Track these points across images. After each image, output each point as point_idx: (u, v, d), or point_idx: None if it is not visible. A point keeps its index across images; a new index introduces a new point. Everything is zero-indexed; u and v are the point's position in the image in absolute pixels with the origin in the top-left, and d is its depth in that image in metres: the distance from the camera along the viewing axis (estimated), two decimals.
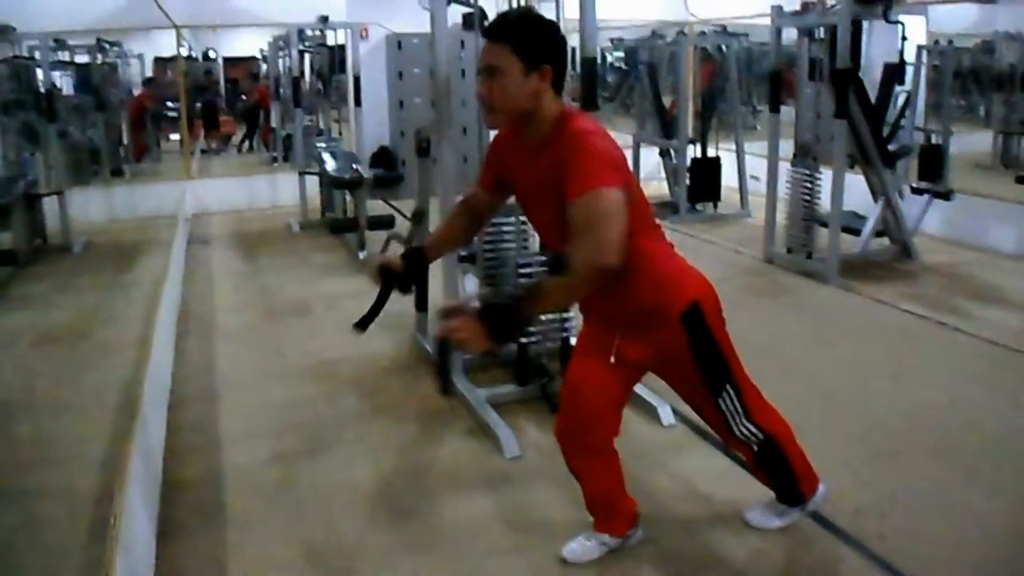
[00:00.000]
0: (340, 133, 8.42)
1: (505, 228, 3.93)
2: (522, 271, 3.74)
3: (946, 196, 6.09)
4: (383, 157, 8.76)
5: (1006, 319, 4.99)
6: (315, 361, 4.32)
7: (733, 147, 8.09)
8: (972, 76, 10.19)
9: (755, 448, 2.51)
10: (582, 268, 1.95)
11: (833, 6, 5.26)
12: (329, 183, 6.50)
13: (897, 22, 5.32)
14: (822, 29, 5.67)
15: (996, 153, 9.70)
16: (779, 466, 2.58)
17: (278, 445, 3.44)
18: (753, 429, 2.46)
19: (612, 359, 2.35)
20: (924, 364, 4.30)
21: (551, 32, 2.13)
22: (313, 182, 7.51)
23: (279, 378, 4.13)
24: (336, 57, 8.79)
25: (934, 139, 8.34)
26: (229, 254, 6.82)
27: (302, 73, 7.80)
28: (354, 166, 6.33)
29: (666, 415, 3.55)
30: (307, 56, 8.92)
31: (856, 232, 6.02)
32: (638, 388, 3.72)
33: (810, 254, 5.90)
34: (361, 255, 6.24)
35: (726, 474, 3.12)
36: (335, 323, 4.91)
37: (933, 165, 7.88)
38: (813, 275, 5.78)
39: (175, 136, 10.47)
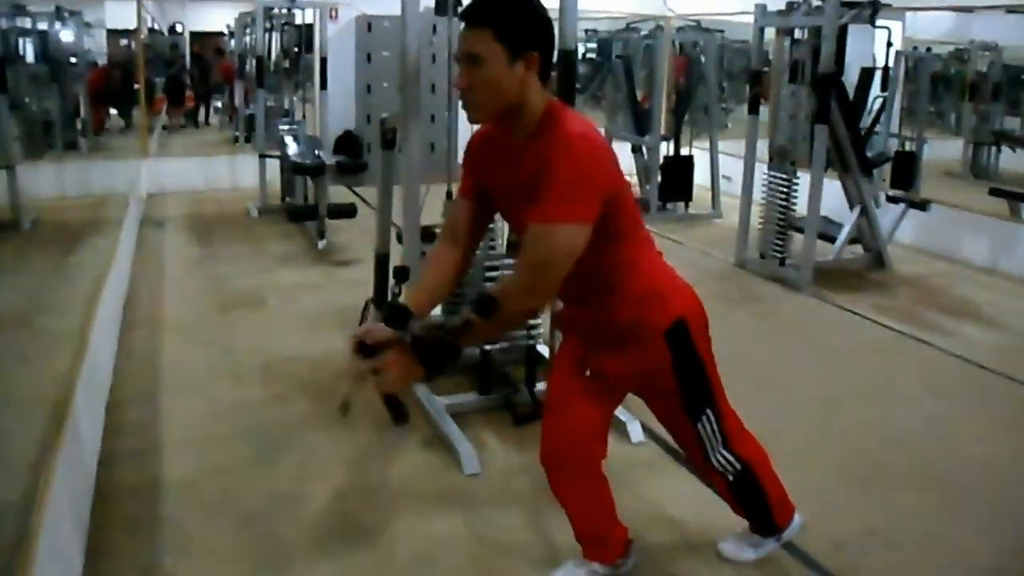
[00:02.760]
0: (304, 115, 8.12)
1: None
2: (489, 274, 3.55)
3: (922, 206, 6.00)
4: (347, 142, 8.49)
5: (979, 336, 4.90)
6: (267, 359, 4.09)
7: (706, 146, 7.95)
8: (944, 84, 10.16)
9: (731, 478, 2.35)
10: (512, 308, 1.85)
11: (818, 8, 5.11)
12: (290, 168, 6.24)
13: (883, 27, 5.20)
14: (804, 31, 5.54)
15: (966, 162, 9.69)
16: (755, 497, 2.43)
17: (224, 453, 3.22)
18: (730, 458, 2.30)
19: (588, 373, 2.19)
20: (899, 382, 4.18)
21: (537, 13, 1.89)
22: (274, 165, 7.24)
23: (228, 378, 3.89)
24: (304, 36, 8.50)
25: (908, 146, 8.29)
26: (183, 238, 6.53)
27: (268, 52, 7.50)
28: (317, 152, 6.09)
29: (635, 432, 3.39)
30: (274, 35, 8.62)
31: (831, 239, 5.91)
32: None
33: (783, 260, 5.78)
34: (320, 244, 5.99)
35: (698, 499, 2.95)
36: (290, 318, 4.68)
37: (906, 172, 7.84)
38: (785, 282, 5.65)
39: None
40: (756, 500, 2.43)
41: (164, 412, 3.52)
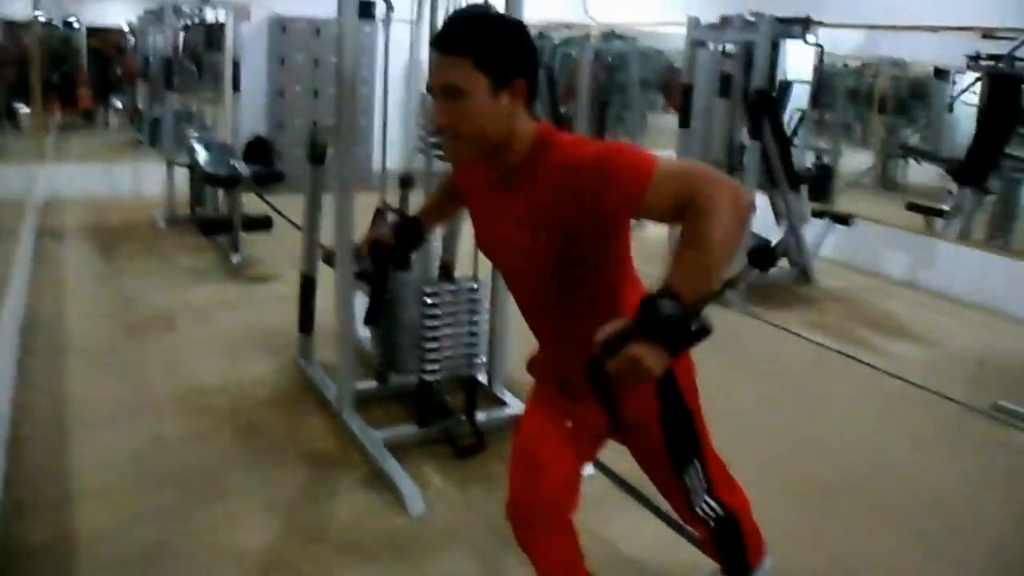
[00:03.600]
0: (214, 120, 7.73)
1: None
2: (429, 300, 3.33)
3: (845, 221, 6.06)
4: (258, 148, 8.11)
5: (907, 352, 4.95)
6: (185, 389, 3.78)
7: None
8: (852, 98, 10.40)
9: (712, 524, 2.22)
10: (738, 217, 1.46)
11: (752, 23, 5.08)
12: (201, 178, 5.89)
13: (817, 45, 5.21)
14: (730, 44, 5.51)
15: (876, 174, 9.94)
16: (734, 543, 2.30)
17: (144, 500, 2.92)
18: (714, 505, 2.17)
19: (569, 424, 2.02)
20: (837, 401, 4.17)
21: (519, 35, 1.69)
22: (182, 173, 6.84)
23: (143, 411, 3.57)
24: (213, 36, 8.11)
25: (825, 159, 8.42)
26: (85, 251, 6.08)
27: (176, 52, 7.08)
28: (231, 162, 5.76)
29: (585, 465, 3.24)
30: (180, 33, 8.19)
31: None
32: None
33: None
34: (234, 259, 5.66)
35: (656, 536, 2.84)
36: (206, 340, 4.37)
37: (823, 186, 7.94)
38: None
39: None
40: (735, 546, 2.31)
41: (73, 453, 3.19)
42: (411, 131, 3.79)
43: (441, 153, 3.27)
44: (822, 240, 6.19)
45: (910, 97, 10.01)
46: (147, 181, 7.74)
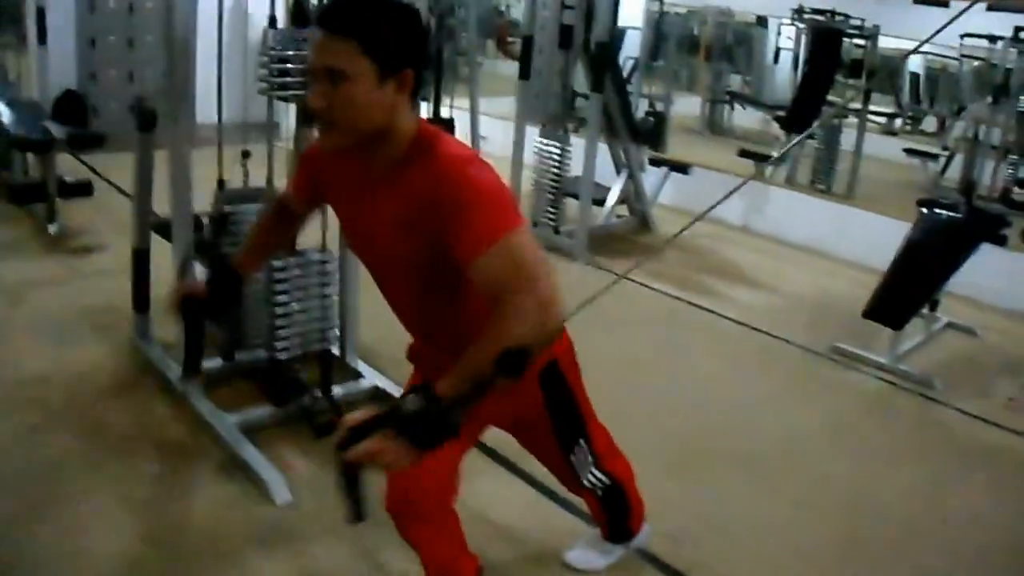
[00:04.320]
0: (19, 74, 6.96)
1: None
2: (278, 276, 3.14)
3: (683, 169, 6.21)
4: (70, 104, 7.44)
5: (751, 298, 5.18)
6: (9, 382, 3.41)
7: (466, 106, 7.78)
8: (679, 45, 10.68)
9: (599, 494, 2.26)
10: (537, 341, 1.48)
11: None
12: (8, 142, 5.32)
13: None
14: None
15: (704, 119, 10.31)
16: (620, 510, 2.37)
17: None
18: (601, 476, 2.21)
19: None
20: (687, 352, 4.30)
21: (413, 22, 1.59)
22: None
23: None
24: None
25: (657, 106, 8.60)
26: None
27: None
28: (42, 122, 5.23)
29: None
30: None
31: (600, 203, 5.97)
32: None
33: (557, 228, 5.75)
34: (51, 228, 5.17)
35: (523, 502, 2.85)
36: (27, 324, 3.97)
37: (656, 132, 8.12)
38: (561, 250, 5.61)
39: None
40: (621, 512, 2.38)
41: None
42: (247, 77, 3.47)
43: (284, 95, 3.06)
44: (660, 188, 6.33)
45: (736, 45, 10.41)
46: None
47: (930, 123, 10.38)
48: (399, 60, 1.54)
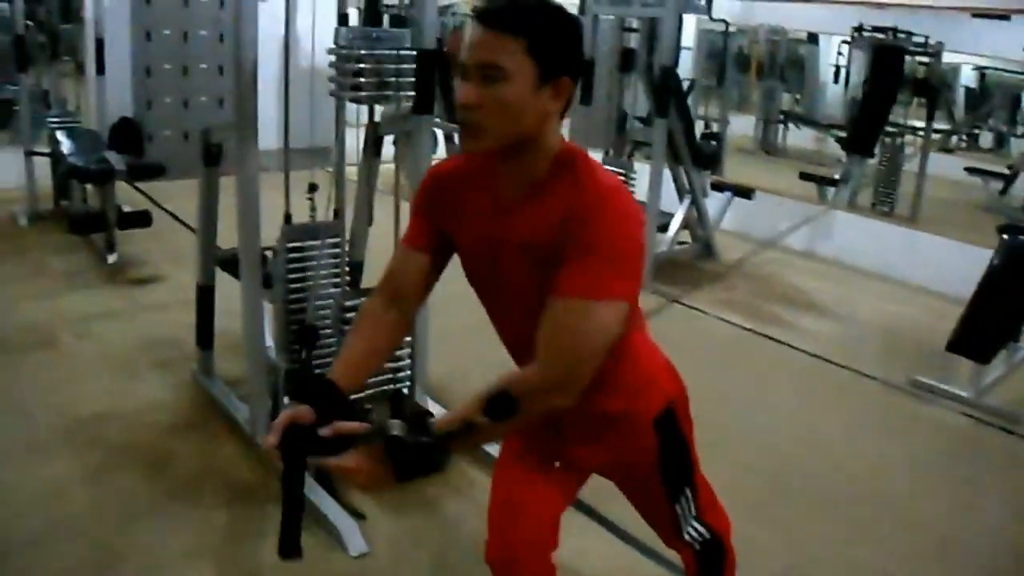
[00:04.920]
0: (78, 104, 6.98)
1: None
2: (348, 315, 3.05)
3: (747, 194, 6.05)
4: (126, 131, 7.44)
5: (819, 327, 4.99)
6: (72, 419, 3.35)
7: None
8: (735, 65, 10.53)
9: (698, 548, 2.11)
10: (533, 408, 1.44)
11: None
12: (67, 172, 5.31)
13: (722, 20, 5.12)
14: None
15: (757, 139, 10.14)
16: (716, 565, 2.20)
17: (41, 561, 2.55)
18: (702, 529, 2.06)
19: (557, 464, 1.85)
20: (762, 385, 4.15)
21: (576, 30, 1.50)
22: (43, 163, 6.19)
23: (25, 449, 3.14)
24: (69, 7, 7.38)
25: (715, 127, 8.44)
26: None
27: (27, 26, 6.34)
28: (101, 153, 5.22)
29: None
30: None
31: (664, 229, 5.84)
32: (490, 446, 3.23)
33: None
34: (110, 258, 5.15)
35: (612, 553, 2.71)
36: (91, 358, 3.92)
37: (714, 155, 7.96)
38: None
39: None
40: (716, 569, 2.20)
41: None
42: (311, 101, 3.37)
43: (358, 96, 2.97)
44: (724, 213, 6.18)
45: (788, 63, 10.23)
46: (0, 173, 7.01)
47: (986, 139, 10.12)
48: (560, 66, 1.45)
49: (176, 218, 6.08)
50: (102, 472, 3.02)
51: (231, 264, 3.45)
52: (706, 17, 5.82)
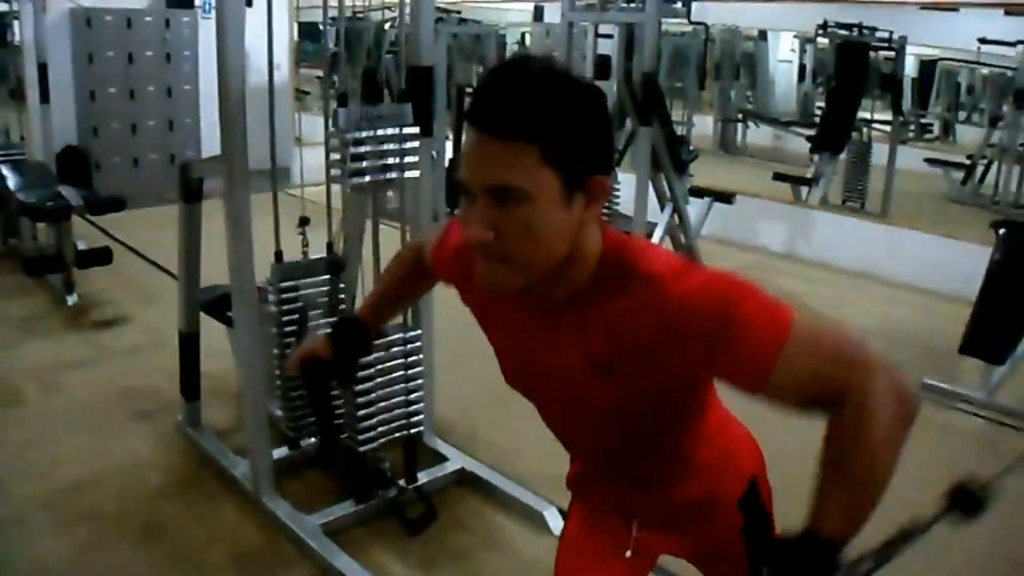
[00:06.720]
0: (21, 135, 6.54)
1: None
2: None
3: (728, 199, 5.94)
4: (72, 160, 7.10)
5: None
6: (52, 488, 3.04)
7: None
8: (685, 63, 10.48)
9: None
10: (905, 426, 1.19)
11: (632, 3, 4.78)
12: (20, 211, 4.95)
13: (701, 23, 4.99)
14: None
15: (716, 138, 10.10)
16: None
17: None
18: None
19: (629, 553, 1.62)
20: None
21: (600, 109, 1.14)
22: None
23: (4, 527, 2.82)
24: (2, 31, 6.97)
25: (679, 130, 8.34)
26: None
27: None
28: (57, 189, 4.88)
29: (554, 521, 2.85)
30: None
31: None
32: (513, 488, 3.03)
33: None
34: (69, 300, 4.82)
35: None
36: (64, 415, 3.59)
37: (693, 159, 7.87)
38: None
39: None
40: None
41: None
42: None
43: (361, 183, 2.74)
44: (704, 219, 6.05)
45: (744, 63, 10.23)
46: None
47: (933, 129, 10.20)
48: (589, 165, 1.12)
49: (133, 251, 5.73)
50: (93, 548, 2.73)
51: (217, 308, 3.21)
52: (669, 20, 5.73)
